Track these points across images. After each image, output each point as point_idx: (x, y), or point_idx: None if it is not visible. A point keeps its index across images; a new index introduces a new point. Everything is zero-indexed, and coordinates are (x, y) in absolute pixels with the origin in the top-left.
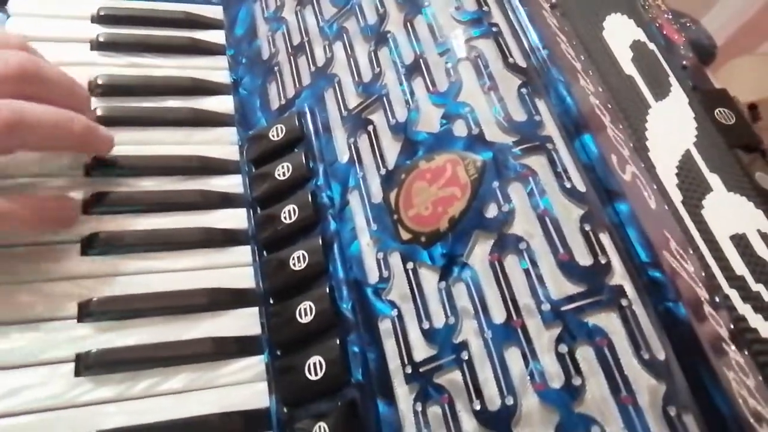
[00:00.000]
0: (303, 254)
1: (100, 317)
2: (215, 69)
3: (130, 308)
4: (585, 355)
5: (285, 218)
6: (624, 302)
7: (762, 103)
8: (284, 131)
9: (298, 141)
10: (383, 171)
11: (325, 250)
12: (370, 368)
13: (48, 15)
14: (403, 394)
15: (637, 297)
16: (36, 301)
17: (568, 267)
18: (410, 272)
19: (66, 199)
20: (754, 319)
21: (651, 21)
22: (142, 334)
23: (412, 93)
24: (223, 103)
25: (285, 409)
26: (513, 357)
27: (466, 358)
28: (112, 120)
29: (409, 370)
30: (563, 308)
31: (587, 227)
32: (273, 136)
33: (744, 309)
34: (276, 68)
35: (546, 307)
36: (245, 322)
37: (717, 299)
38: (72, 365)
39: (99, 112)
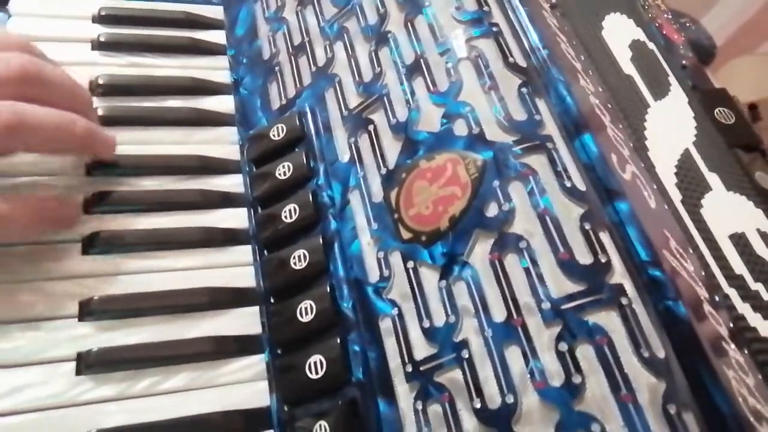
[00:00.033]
0: (304, 253)
1: (101, 316)
2: (216, 69)
3: (130, 307)
4: (585, 353)
5: (286, 218)
6: (624, 301)
7: (762, 103)
8: (285, 131)
9: (298, 140)
10: (384, 170)
11: (325, 249)
12: (371, 367)
13: (49, 15)
14: (404, 393)
15: (637, 296)
16: (37, 300)
17: (568, 266)
18: (411, 271)
19: (66, 199)
20: (754, 318)
21: (650, 21)
22: (143, 333)
23: (412, 93)
24: (224, 103)
25: (285, 408)
26: (513, 355)
27: (467, 356)
28: (113, 120)
29: (409, 368)
30: (563, 307)
31: (587, 226)
32: (274, 135)
33: (743, 308)
34: (277, 68)
35: (546, 305)
36: (246, 321)
37: (716, 298)
38: (73, 364)
39: (100, 112)
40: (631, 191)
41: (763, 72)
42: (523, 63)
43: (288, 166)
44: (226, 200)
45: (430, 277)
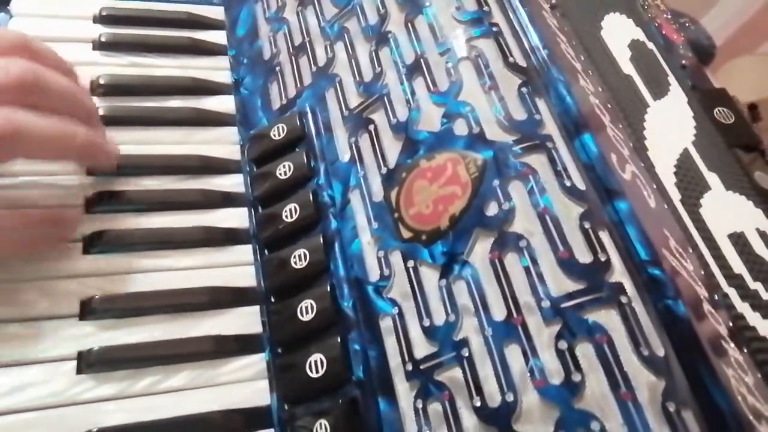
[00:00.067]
0: (304, 253)
1: (101, 315)
2: (217, 69)
3: (131, 306)
4: (585, 351)
5: (286, 217)
6: (623, 299)
7: (762, 103)
8: (285, 131)
9: (299, 140)
10: (384, 170)
11: (326, 248)
12: (371, 366)
13: (50, 15)
14: (404, 392)
15: (637, 294)
16: (38, 299)
17: (568, 264)
18: (411, 270)
19: (65, 214)
20: (753, 317)
21: (650, 21)
22: (144, 332)
23: (412, 92)
24: (225, 103)
25: (286, 407)
26: (513, 354)
27: (467, 355)
28: (113, 119)
29: (409, 367)
30: (563, 305)
31: (587, 225)
32: (274, 135)
33: (742, 307)
34: (277, 68)
35: (546, 304)
36: (246, 320)
37: (716, 297)
38: (74, 363)
39: (101, 112)
40: (631, 191)
41: (763, 72)
42: (523, 63)
43: (288, 165)
44: (226, 200)
45: (430, 276)
